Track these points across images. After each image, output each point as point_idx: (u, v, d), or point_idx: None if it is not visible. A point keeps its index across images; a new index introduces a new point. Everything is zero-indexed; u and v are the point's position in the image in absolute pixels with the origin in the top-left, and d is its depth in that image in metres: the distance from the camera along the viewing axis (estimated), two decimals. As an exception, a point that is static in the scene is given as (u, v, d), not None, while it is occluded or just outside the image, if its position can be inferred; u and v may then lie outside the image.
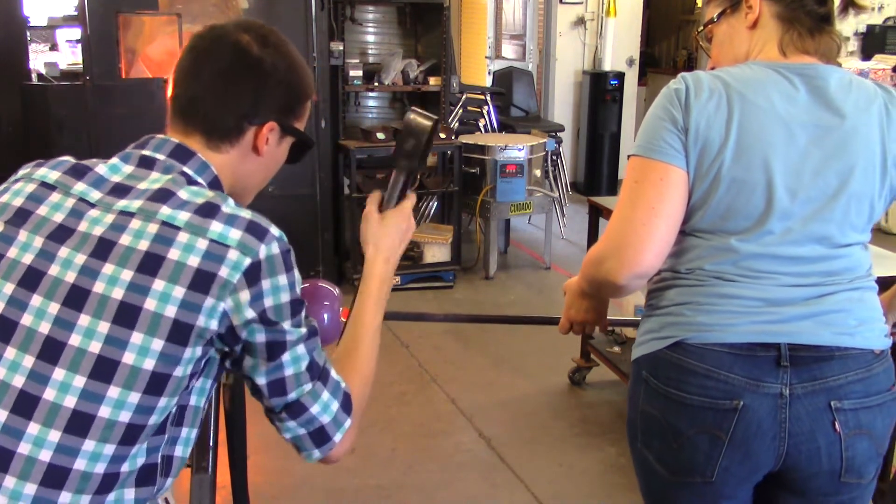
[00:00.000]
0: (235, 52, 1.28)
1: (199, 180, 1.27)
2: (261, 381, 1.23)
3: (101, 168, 1.26)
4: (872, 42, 7.78)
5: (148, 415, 1.15)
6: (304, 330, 1.23)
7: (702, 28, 1.62)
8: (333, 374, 1.29)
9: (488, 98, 6.50)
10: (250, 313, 1.17)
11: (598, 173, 7.75)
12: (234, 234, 1.17)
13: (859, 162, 1.42)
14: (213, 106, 1.28)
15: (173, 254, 1.14)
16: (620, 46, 7.86)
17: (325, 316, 1.75)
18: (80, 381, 1.12)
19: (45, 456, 1.11)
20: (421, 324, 4.55)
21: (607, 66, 7.71)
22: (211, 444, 1.70)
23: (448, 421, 3.57)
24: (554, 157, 6.50)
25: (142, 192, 1.20)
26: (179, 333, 1.14)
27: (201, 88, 1.28)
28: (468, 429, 3.50)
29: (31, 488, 1.11)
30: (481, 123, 6.47)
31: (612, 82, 7.59)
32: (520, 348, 4.30)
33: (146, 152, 1.27)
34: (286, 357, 1.22)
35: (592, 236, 3.80)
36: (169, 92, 1.33)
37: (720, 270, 1.43)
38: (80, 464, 1.12)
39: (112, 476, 1.15)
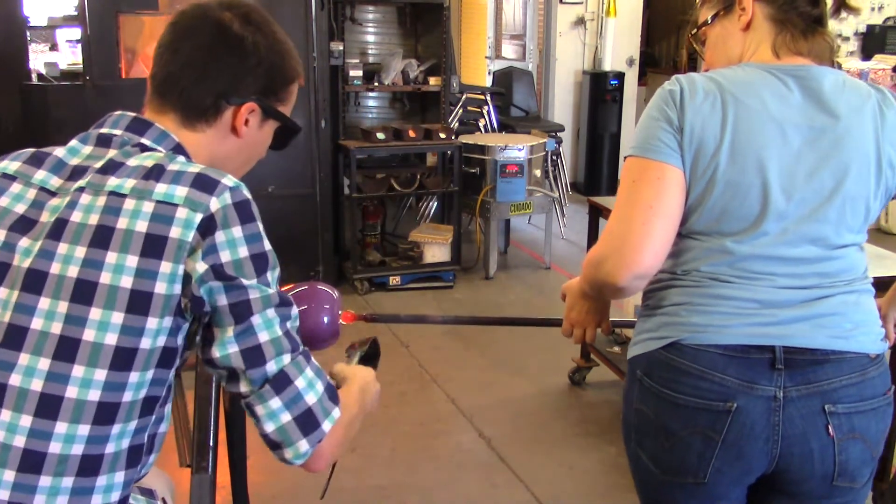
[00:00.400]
0: (216, 29, 1.27)
1: (158, 148, 1.22)
2: (233, 348, 1.14)
3: (60, 151, 1.23)
4: (872, 42, 7.78)
5: (119, 391, 1.12)
6: (271, 290, 1.16)
7: (695, 30, 1.62)
8: (315, 362, 1.23)
9: (488, 98, 6.50)
10: (202, 267, 1.11)
11: (598, 173, 7.75)
12: (181, 192, 1.12)
13: (853, 163, 1.42)
14: (191, 83, 1.26)
15: (121, 223, 1.11)
16: (620, 46, 7.86)
17: (325, 318, 1.74)
18: (44, 364, 1.10)
19: (20, 442, 1.10)
20: (421, 324, 4.55)
21: (607, 66, 7.71)
22: (211, 444, 1.70)
23: (448, 421, 3.57)
24: (554, 157, 6.50)
25: (96, 170, 1.18)
26: (139, 303, 1.10)
27: (179, 65, 1.26)
28: (468, 429, 3.50)
29: (9, 475, 1.10)
30: (481, 123, 6.47)
31: (612, 82, 7.59)
32: (520, 348, 4.30)
33: (104, 130, 1.25)
34: (256, 320, 1.14)
35: (592, 236, 3.80)
36: (148, 70, 1.32)
37: (716, 272, 1.43)
38: (54, 447, 1.11)
39: (95, 458, 1.13)
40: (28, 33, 4.95)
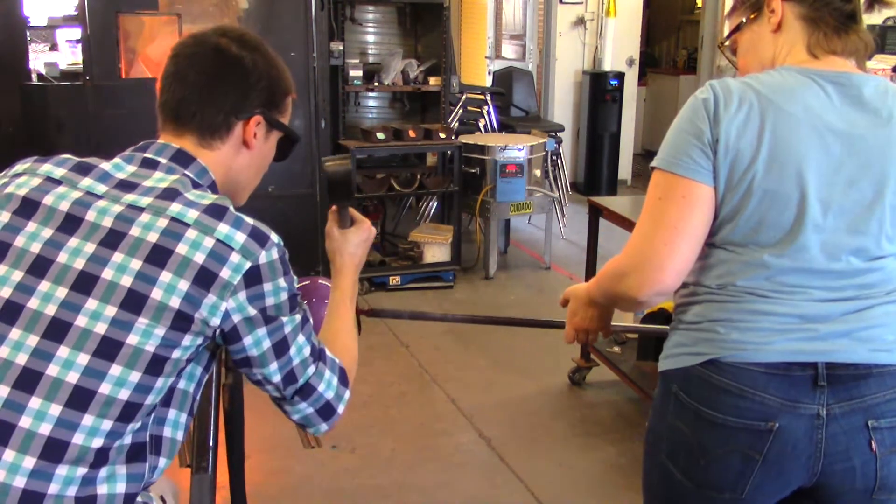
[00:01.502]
0: (216, 53, 1.38)
1: (201, 183, 1.34)
2: (276, 378, 1.33)
3: (106, 165, 1.33)
4: (872, 42, 7.77)
5: (146, 394, 1.21)
6: (298, 317, 1.33)
7: (726, 40, 1.59)
8: (328, 352, 1.42)
9: (488, 98, 6.50)
10: (252, 311, 1.26)
11: (598, 173, 7.75)
12: (240, 238, 1.25)
13: (894, 171, 1.39)
14: (202, 105, 1.37)
15: (181, 248, 1.22)
16: (620, 46, 7.86)
17: (326, 313, 1.77)
18: (83, 359, 1.18)
19: (45, 429, 1.16)
20: (421, 324, 4.55)
21: (607, 66, 7.71)
22: (211, 444, 1.70)
23: (448, 421, 3.57)
24: (554, 157, 6.50)
25: (149, 189, 1.28)
26: (182, 322, 1.21)
27: (188, 90, 1.37)
28: (468, 429, 3.50)
29: (29, 461, 1.15)
30: (481, 123, 6.47)
31: (612, 82, 7.58)
32: (520, 348, 4.30)
33: (148, 155, 1.35)
34: (292, 350, 1.33)
35: (592, 236, 3.79)
36: (158, 99, 1.42)
37: (753, 286, 1.40)
38: (78, 438, 1.17)
39: (105, 451, 1.20)
40: (28, 33, 4.94)
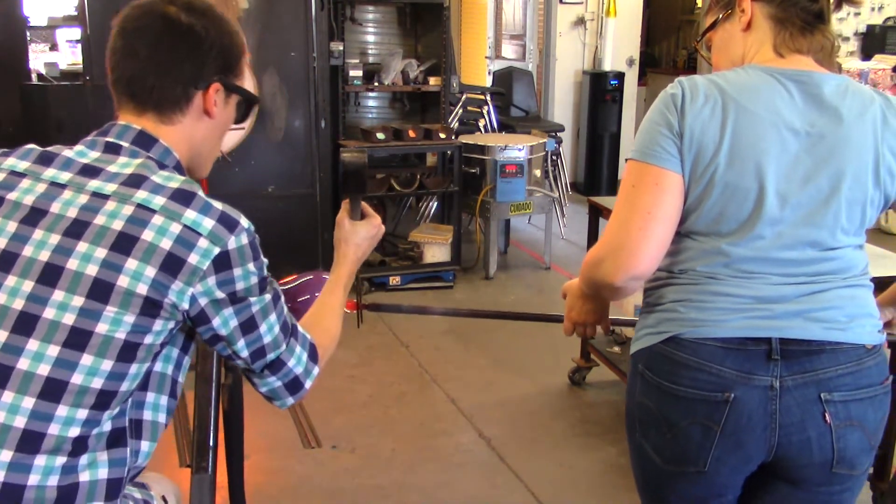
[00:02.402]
0: (166, 23, 1.34)
1: (166, 164, 1.33)
2: (244, 354, 1.34)
3: (69, 152, 1.31)
4: (872, 42, 7.78)
5: (120, 381, 1.22)
6: (268, 297, 1.33)
7: (700, 38, 1.65)
8: (300, 329, 1.43)
9: (488, 98, 6.50)
10: (220, 294, 1.26)
11: (598, 173, 7.75)
12: (207, 224, 1.24)
13: (851, 168, 1.44)
14: (158, 79, 1.34)
15: (147, 235, 1.21)
16: (620, 46, 7.86)
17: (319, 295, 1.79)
18: (53, 351, 1.18)
19: (20, 423, 1.16)
20: (421, 324, 4.55)
21: (607, 66, 7.71)
22: (211, 444, 1.70)
23: (448, 421, 3.57)
24: (554, 157, 6.50)
25: (113, 175, 1.26)
26: (151, 308, 1.21)
27: (140, 66, 1.34)
28: (468, 429, 3.50)
29: (6, 455, 1.16)
30: (481, 123, 6.47)
31: (612, 82, 7.59)
32: (520, 348, 4.30)
33: (110, 139, 1.33)
34: (262, 328, 1.33)
35: (592, 236, 3.80)
36: (109, 76, 1.40)
37: (712, 272, 1.47)
38: (53, 428, 1.18)
39: (83, 439, 1.20)
40: (28, 33, 4.95)
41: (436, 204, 5.94)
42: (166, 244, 1.21)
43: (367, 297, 4.97)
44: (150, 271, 1.20)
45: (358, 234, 1.69)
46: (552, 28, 7.80)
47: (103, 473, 1.23)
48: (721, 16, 1.58)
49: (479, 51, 8.22)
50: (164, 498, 1.54)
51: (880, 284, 1.62)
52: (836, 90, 1.46)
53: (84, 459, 1.21)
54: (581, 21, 7.77)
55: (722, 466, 1.47)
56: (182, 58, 1.34)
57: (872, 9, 7.87)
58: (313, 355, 1.44)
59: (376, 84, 5.48)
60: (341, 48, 5.18)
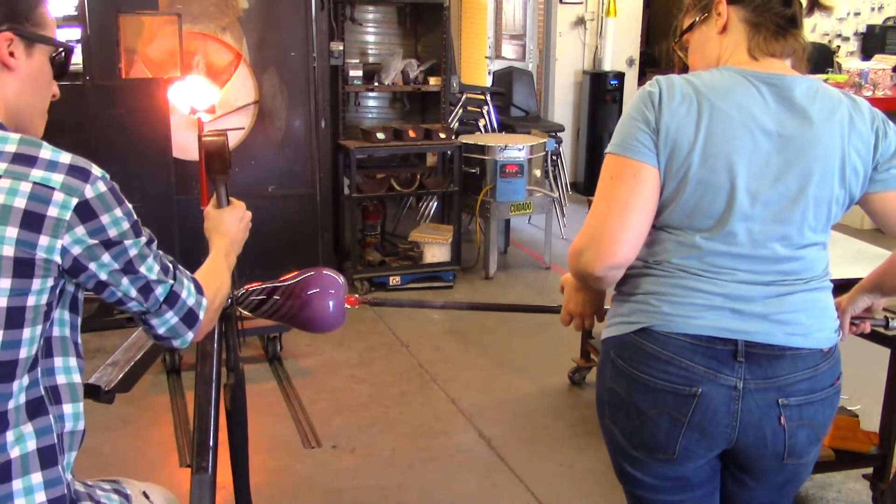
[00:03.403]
0: None
1: None
2: (133, 293, 1.35)
3: None
4: (872, 42, 7.78)
5: (17, 349, 1.23)
6: (143, 239, 1.34)
7: (678, 38, 1.71)
8: (180, 266, 1.45)
9: (488, 98, 6.50)
10: (92, 241, 1.26)
11: (597, 173, 7.55)
12: (57, 178, 1.23)
13: (818, 168, 1.50)
14: None
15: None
16: (620, 46, 7.86)
17: (330, 303, 1.82)
18: None
19: None
20: (421, 324, 4.55)
21: (607, 66, 7.71)
22: (211, 444, 1.70)
23: (448, 421, 3.57)
24: (554, 157, 6.50)
25: None
26: (23, 268, 1.21)
27: None
28: (468, 429, 3.50)
29: None
30: (481, 123, 6.47)
31: (611, 82, 7.59)
32: (520, 348, 4.31)
33: None
34: (142, 269, 1.34)
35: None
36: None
37: (685, 265, 1.53)
38: None
39: (2, 415, 1.22)
40: (28, 33, 4.93)
41: (436, 204, 5.94)
42: (20, 203, 1.20)
43: (366, 296, 4.98)
44: (12, 231, 1.20)
45: (224, 221, 1.72)
46: (552, 28, 7.80)
47: (32, 445, 1.25)
48: (698, 18, 1.64)
49: (479, 51, 8.22)
50: (144, 494, 1.55)
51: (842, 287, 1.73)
52: (806, 93, 1.52)
53: (10, 436, 1.23)
54: (581, 21, 7.77)
55: (689, 454, 1.56)
56: None
57: (872, 9, 7.87)
58: (199, 288, 1.46)
59: (376, 84, 5.48)
60: (341, 48, 5.18)
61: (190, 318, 1.43)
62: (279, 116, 4.79)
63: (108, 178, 1.30)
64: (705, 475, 1.63)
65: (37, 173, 1.22)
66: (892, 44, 7.65)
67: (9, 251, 1.20)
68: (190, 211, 4.09)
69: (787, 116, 1.50)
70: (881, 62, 6.99)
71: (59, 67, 1.41)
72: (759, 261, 1.51)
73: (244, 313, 1.90)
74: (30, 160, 1.23)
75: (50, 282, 1.25)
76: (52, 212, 1.21)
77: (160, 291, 1.38)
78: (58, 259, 1.24)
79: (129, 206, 1.32)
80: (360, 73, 5.34)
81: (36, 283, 1.23)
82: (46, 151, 1.26)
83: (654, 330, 1.52)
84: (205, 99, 4.12)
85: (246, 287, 1.87)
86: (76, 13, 4.42)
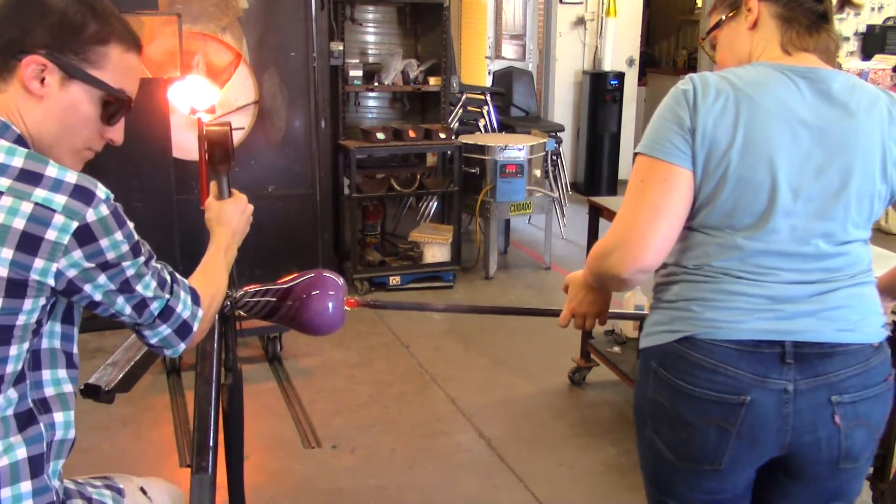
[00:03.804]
0: None
1: (5, 136, 1.23)
2: (127, 311, 1.33)
3: None
4: (872, 42, 7.78)
5: (3, 365, 1.22)
6: (142, 259, 1.32)
7: (706, 36, 1.67)
8: (179, 276, 1.43)
9: (488, 98, 6.50)
10: (88, 265, 1.24)
11: (598, 173, 7.75)
12: (60, 199, 1.20)
13: (859, 162, 1.48)
14: None
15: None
16: (620, 46, 7.86)
17: (330, 305, 1.80)
18: None
19: None
20: (421, 324, 4.55)
21: (607, 66, 7.71)
22: (211, 444, 1.70)
23: (448, 421, 3.57)
24: (554, 157, 6.50)
25: None
26: (15, 289, 1.20)
27: None
28: (468, 429, 3.50)
29: None
30: (481, 123, 6.47)
31: (612, 82, 7.58)
32: (520, 348, 4.30)
33: None
34: (139, 288, 1.32)
35: (592, 236, 3.79)
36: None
37: (727, 267, 1.49)
38: None
39: None
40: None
41: (436, 204, 5.94)
42: (19, 224, 1.17)
43: (366, 297, 4.98)
44: (7, 253, 1.17)
45: (226, 212, 1.70)
46: (552, 28, 7.80)
47: (22, 454, 1.25)
48: (727, 15, 1.61)
49: (479, 51, 8.22)
50: (142, 489, 1.55)
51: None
52: (844, 86, 1.49)
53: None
54: (581, 21, 7.77)
55: (737, 464, 1.51)
56: (11, 21, 1.23)
57: (872, 9, 7.87)
58: (196, 299, 1.45)
59: (376, 84, 5.47)
60: (341, 48, 5.18)
61: (183, 330, 1.42)
62: (279, 116, 4.79)
63: (112, 199, 1.26)
64: (740, 489, 1.58)
65: (39, 193, 1.19)
66: (892, 44, 7.65)
67: (2, 272, 1.18)
68: (190, 211, 4.09)
69: (827, 109, 1.47)
70: (881, 62, 6.99)
71: (108, 114, 1.33)
72: (803, 258, 1.48)
73: (242, 314, 1.88)
74: (34, 178, 1.20)
75: (42, 301, 1.24)
76: (51, 235, 1.19)
77: (155, 307, 1.37)
78: (51, 282, 1.22)
79: (131, 226, 1.30)
80: (360, 73, 5.34)
81: (27, 304, 1.22)
82: (53, 169, 1.21)
83: (698, 338, 1.48)
84: (205, 99, 4.12)
85: (245, 289, 1.86)
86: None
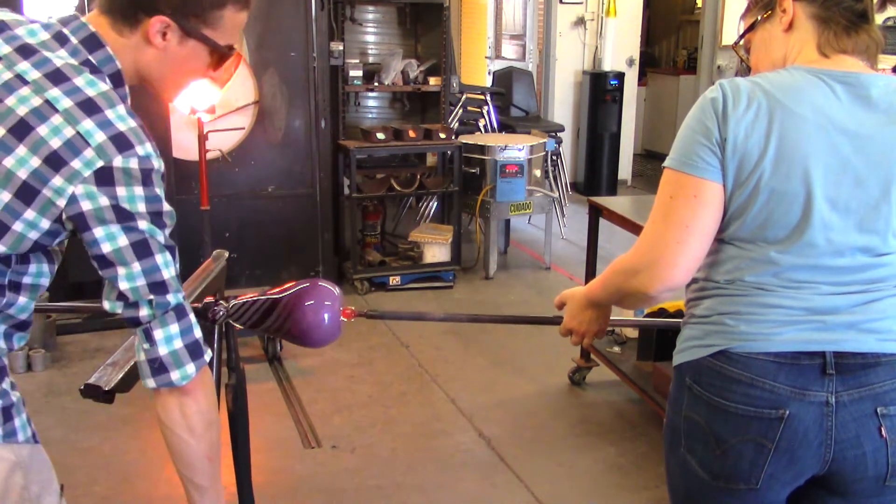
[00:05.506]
0: None
1: (102, 70, 1.33)
2: (139, 281, 1.29)
3: (21, 30, 1.32)
4: (872, 42, 7.77)
5: None
6: (162, 236, 1.30)
7: (740, 39, 1.61)
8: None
9: (488, 98, 6.50)
10: (103, 200, 1.25)
11: (598, 173, 7.75)
12: (99, 137, 1.24)
13: None
14: None
15: (42, 130, 1.23)
16: (620, 46, 7.86)
17: (326, 316, 1.74)
18: None
19: None
20: (421, 324, 4.55)
21: (607, 66, 7.71)
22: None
23: (448, 421, 3.57)
24: (554, 157, 6.50)
25: (43, 61, 1.27)
26: (27, 193, 1.23)
27: None
28: (468, 429, 3.50)
29: None
30: (481, 123, 6.47)
31: (612, 82, 7.59)
32: (520, 348, 4.31)
33: (65, 30, 1.34)
34: (159, 260, 1.30)
35: (592, 236, 3.79)
36: None
37: (761, 282, 1.43)
38: None
39: None
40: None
41: (436, 204, 5.94)
42: (55, 143, 1.23)
43: (366, 298, 4.98)
44: (35, 161, 1.22)
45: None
46: (552, 28, 7.80)
47: None
48: (761, 17, 1.54)
49: (479, 51, 8.22)
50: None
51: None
52: (884, 91, 1.43)
53: None
54: (581, 21, 7.77)
55: (774, 483, 1.44)
56: None
57: (872, 9, 7.86)
58: (204, 339, 1.40)
59: (376, 84, 5.48)
60: (341, 48, 5.18)
61: (195, 351, 1.36)
62: (279, 116, 4.79)
63: (152, 160, 1.28)
64: None
65: (86, 125, 1.24)
66: (893, 44, 7.65)
67: (23, 173, 1.22)
68: (190, 211, 4.09)
69: (866, 116, 1.40)
70: (881, 62, 6.99)
71: (215, 63, 1.45)
72: (841, 271, 1.41)
73: (237, 326, 1.85)
74: (93, 110, 1.25)
75: (44, 223, 1.26)
76: (76, 164, 1.23)
77: (171, 299, 1.32)
78: (62, 203, 1.24)
79: (161, 196, 1.30)
80: (360, 73, 5.34)
81: (30, 214, 1.24)
82: (113, 112, 1.27)
83: (733, 352, 1.42)
84: (205, 99, 4.11)
85: (239, 298, 1.81)
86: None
